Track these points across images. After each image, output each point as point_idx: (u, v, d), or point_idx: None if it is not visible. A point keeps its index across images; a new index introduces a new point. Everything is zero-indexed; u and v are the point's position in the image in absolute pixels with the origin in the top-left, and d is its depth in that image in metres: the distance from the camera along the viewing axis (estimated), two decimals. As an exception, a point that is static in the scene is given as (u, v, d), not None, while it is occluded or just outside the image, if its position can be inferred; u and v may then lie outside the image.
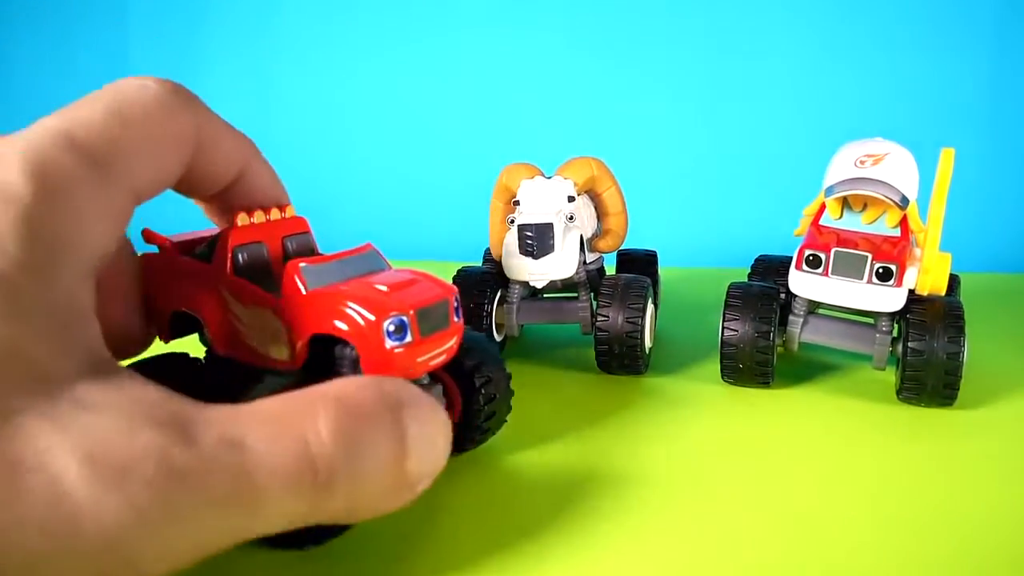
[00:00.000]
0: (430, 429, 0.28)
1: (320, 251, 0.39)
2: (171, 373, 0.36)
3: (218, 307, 0.36)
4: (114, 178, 0.28)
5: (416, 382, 0.36)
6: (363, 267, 0.36)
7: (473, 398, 0.39)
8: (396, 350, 0.32)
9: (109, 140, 0.29)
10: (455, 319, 0.35)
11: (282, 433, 0.25)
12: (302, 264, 0.34)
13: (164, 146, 0.31)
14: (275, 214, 0.38)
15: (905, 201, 0.51)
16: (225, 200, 0.37)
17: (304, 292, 0.33)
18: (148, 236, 0.38)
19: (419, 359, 0.33)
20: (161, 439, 0.23)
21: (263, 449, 0.24)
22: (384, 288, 0.34)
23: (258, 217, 0.37)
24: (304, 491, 0.25)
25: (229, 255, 0.36)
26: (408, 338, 0.32)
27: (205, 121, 0.33)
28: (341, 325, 0.32)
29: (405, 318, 0.32)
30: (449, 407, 0.40)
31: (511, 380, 0.42)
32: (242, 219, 0.37)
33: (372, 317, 0.32)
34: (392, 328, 0.32)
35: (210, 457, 0.23)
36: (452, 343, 0.35)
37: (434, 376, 0.39)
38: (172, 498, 0.22)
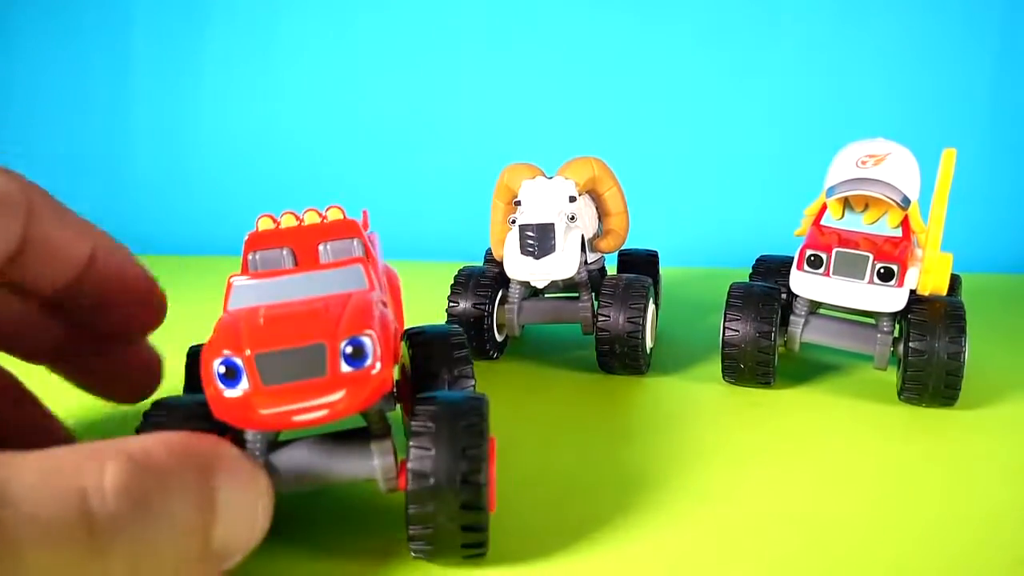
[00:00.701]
0: (245, 497, 0.25)
1: (366, 254, 0.35)
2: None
3: None
4: None
5: (376, 432, 0.31)
6: (313, 287, 0.32)
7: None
8: (229, 396, 0.28)
9: None
10: (343, 368, 0.28)
11: (56, 484, 0.21)
12: (231, 279, 0.32)
13: None
14: (311, 217, 0.35)
15: (906, 201, 0.51)
16: (80, 293, 0.33)
17: (222, 312, 0.31)
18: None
19: (264, 410, 0.27)
20: None
21: (29, 499, 0.21)
22: (261, 321, 0.29)
23: (286, 220, 0.35)
24: (75, 551, 0.21)
25: (244, 260, 0.34)
26: (243, 383, 0.28)
27: (38, 193, 0.30)
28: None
29: (237, 361, 0.28)
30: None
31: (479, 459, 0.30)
32: (263, 223, 0.35)
33: (208, 355, 0.28)
34: (222, 370, 0.28)
35: None
36: (334, 397, 0.28)
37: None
38: None
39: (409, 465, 0.29)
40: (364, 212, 0.41)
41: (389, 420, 0.31)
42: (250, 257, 0.35)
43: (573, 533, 0.35)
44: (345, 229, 0.35)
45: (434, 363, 0.35)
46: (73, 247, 0.32)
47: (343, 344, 0.28)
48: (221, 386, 0.28)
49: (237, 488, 0.25)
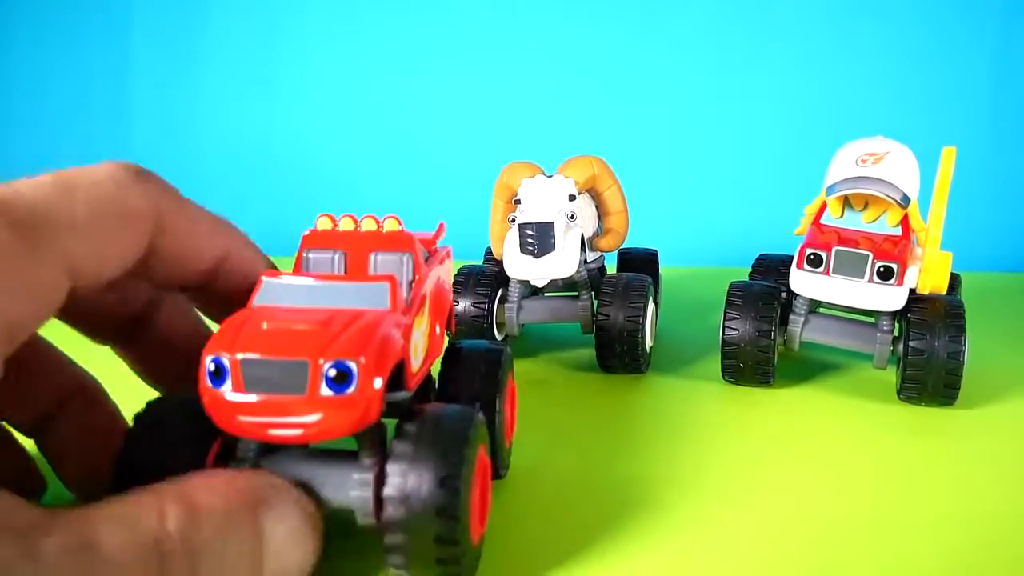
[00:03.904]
0: (291, 525, 0.27)
1: (415, 271, 0.35)
2: None
3: None
4: (44, 250, 0.26)
5: (365, 460, 0.29)
6: (335, 298, 0.31)
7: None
8: (215, 395, 0.27)
9: (46, 210, 0.26)
10: (323, 392, 0.27)
11: (134, 531, 0.23)
12: (264, 277, 0.32)
13: (113, 220, 0.28)
14: (368, 224, 0.35)
15: (906, 200, 0.51)
16: (210, 291, 0.34)
17: (247, 306, 0.31)
18: None
19: (242, 417, 0.27)
20: (4, 552, 0.21)
21: (116, 548, 0.22)
22: (264, 325, 0.29)
23: (345, 224, 0.35)
24: None
25: (298, 257, 0.34)
26: (227, 385, 0.27)
27: (170, 201, 0.31)
28: None
29: (225, 361, 0.27)
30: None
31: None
32: (322, 222, 0.35)
33: (206, 349, 0.28)
34: (212, 368, 0.27)
35: (55, 568, 0.21)
36: (310, 419, 0.27)
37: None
38: None
39: (384, 491, 0.28)
40: (441, 225, 0.41)
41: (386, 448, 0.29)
42: (303, 255, 0.35)
43: (572, 532, 0.35)
44: (397, 242, 0.35)
45: (463, 383, 0.37)
46: (204, 250, 0.33)
47: (327, 366, 0.27)
48: (209, 384, 0.28)
49: (283, 520, 0.26)
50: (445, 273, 0.39)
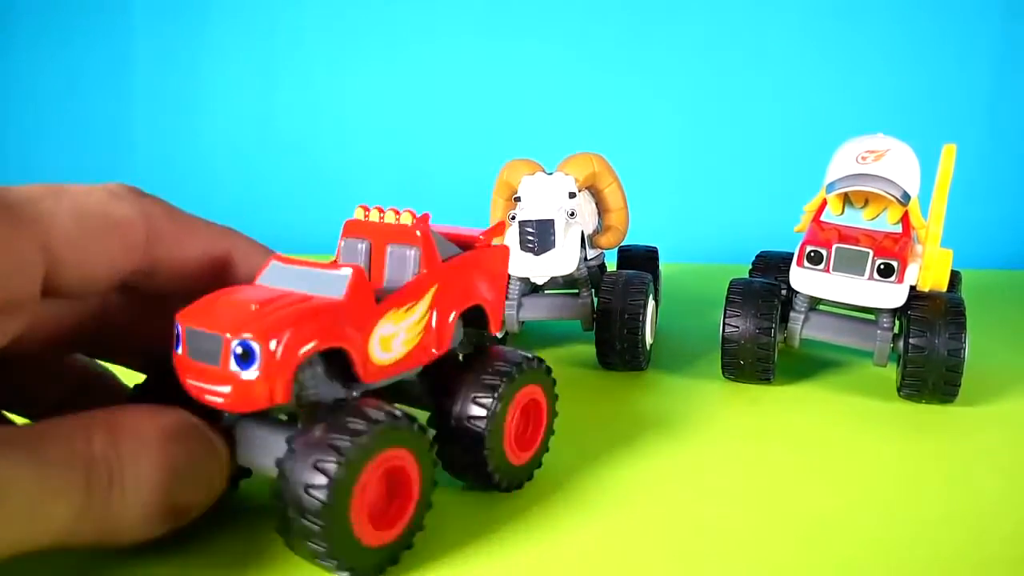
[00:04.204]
0: (197, 462, 0.30)
1: (420, 265, 0.36)
2: None
3: None
4: (24, 228, 0.27)
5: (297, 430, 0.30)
6: (308, 284, 0.32)
7: None
8: (175, 356, 0.30)
9: (31, 198, 0.28)
10: (232, 368, 0.28)
11: (69, 447, 0.27)
12: (272, 259, 0.34)
13: (97, 223, 0.30)
14: (389, 217, 0.36)
15: (906, 197, 0.51)
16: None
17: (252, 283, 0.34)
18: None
19: (188, 380, 0.30)
20: None
21: (57, 458, 0.27)
22: (224, 300, 0.31)
23: (373, 215, 0.36)
24: (76, 502, 0.27)
25: (340, 244, 0.37)
26: (179, 348, 0.30)
27: (162, 213, 0.32)
28: None
29: (178, 326, 0.30)
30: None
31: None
32: (357, 212, 0.37)
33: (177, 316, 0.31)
34: (176, 332, 0.30)
35: (14, 464, 0.25)
36: (222, 389, 0.29)
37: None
38: None
39: (283, 462, 0.29)
40: (500, 223, 0.42)
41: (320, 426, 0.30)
42: (340, 243, 0.37)
43: (572, 528, 0.35)
44: (408, 236, 0.36)
45: (455, 381, 0.37)
46: (204, 257, 0.34)
47: (234, 343, 0.28)
48: (174, 346, 0.30)
49: (192, 455, 0.30)
50: (485, 271, 0.39)
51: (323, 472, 0.28)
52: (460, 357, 0.39)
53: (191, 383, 0.30)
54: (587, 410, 0.49)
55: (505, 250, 0.40)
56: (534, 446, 0.39)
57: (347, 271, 0.32)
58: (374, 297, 0.33)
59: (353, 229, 0.37)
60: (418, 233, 0.35)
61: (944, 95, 1.07)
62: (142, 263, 0.32)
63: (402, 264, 0.36)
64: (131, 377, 0.37)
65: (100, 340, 0.36)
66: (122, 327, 0.36)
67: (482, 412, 0.35)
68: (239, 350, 0.28)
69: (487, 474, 0.36)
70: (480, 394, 0.36)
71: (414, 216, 0.36)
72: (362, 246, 0.36)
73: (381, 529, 0.30)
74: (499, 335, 0.60)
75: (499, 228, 0.41)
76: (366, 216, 0.37)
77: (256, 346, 0.28)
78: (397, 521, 0.31)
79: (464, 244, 0.39)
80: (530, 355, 0.38)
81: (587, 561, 0.32)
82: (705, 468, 0.41)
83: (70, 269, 0.29)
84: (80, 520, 0.27)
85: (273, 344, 0.28)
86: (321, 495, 0.27)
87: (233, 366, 0.29)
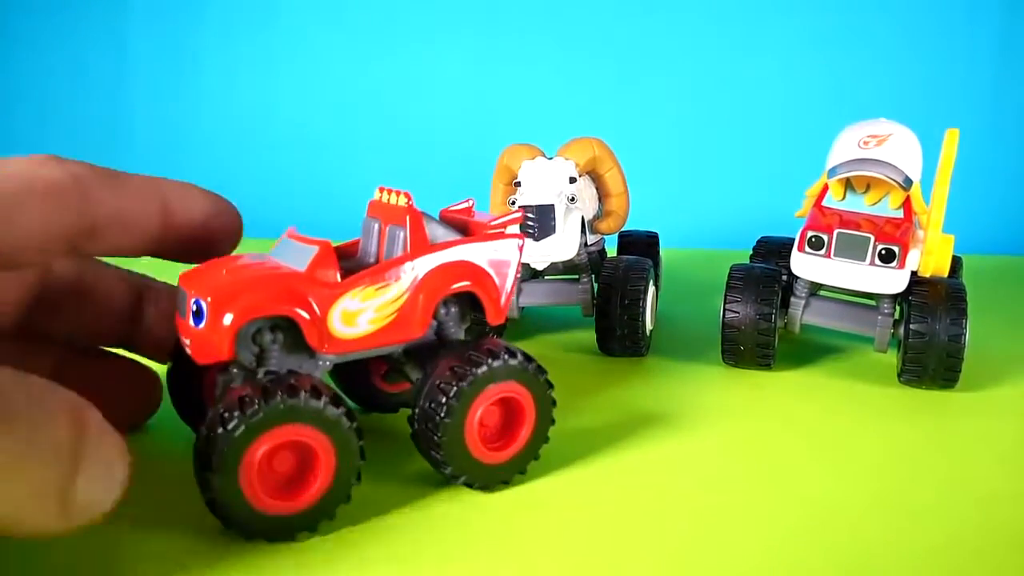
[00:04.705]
0: (108, 460, 0.27)
1: (407, 247, 0.37)
2: None
3: None
4: None
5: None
6: (288, 256, 0.35)
7: None
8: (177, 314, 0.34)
9: None
10: (190, 322, 0.32)
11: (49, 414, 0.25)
12: (284, 235, 0.36)
13: (23, 189, 0.30)
14: (394, 199, 0.37)
15: (908, 182, 0.51)
16: (170, 244, 0.36)
17: None
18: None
19: (181, 335, 0.34)
20: None
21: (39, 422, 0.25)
22: (213, 266, 0.35)
23: (384, 196, 0.38)
24: (62, 470, 0.25)
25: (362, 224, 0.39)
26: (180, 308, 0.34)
27: (92, 174, 0.32)
28: None
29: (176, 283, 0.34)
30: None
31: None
32: (376, 193, 0.38)
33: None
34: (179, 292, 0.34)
35: None
36: (187, 341, 0.33)
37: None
38: None
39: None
40: (521, 211, 0.43)
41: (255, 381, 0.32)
42: (365, 222, 0.39)
43: (571, 516, 0.35)
44: (400, 216, 0.37)
45: (433, 365, 0.36)
46: (141, 210, 0.34)
47: (192, 300, 0.33)
48: (177, 307, 0.34)
49: (102, 450, 0.27)
50: (487, 259, 0.39)
51: (210, 439, 0.30)
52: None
53: (183, 338, 0.34)
54: (587, 396, 0.49)
55: (517, 239, 0.40)
56: (511, 447, 0.37)
57: (315, 247, 0.34)
58: (338, 273, 0.34)
59: (372, 209, 0.39)
60: (407, 216, 0.36)
61: (947, 80, 1.07)
62: (79, 224, 0.32)
63: (394, 244, 0.37)
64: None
65: (33, 310, 0.36)
66: (58, 295, 0.37)
67: (441, 399, 0.34)
68: (194, 307, 0.32)
69: (441, 463, 0.35)
70: (443, 381, 0.35)
71: (408, 198, 0.37)
72: (375, 226, 0.38)
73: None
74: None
75: (517, 218, 0.40)
76: (381, 197, 0.38)
77: (203, 304, 0.32)
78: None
79: (470, 230, 0.39)
80: (516, 351, 0.36)
81: (585, 546, 0.32)
82: (705, 453, 0.41)
83: (3, 238, 0.29)
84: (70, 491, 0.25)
85: (217, 304, 0.32)
86: (207, 458, 0.30)
87: (191, 321, 0.33)
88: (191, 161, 1.19)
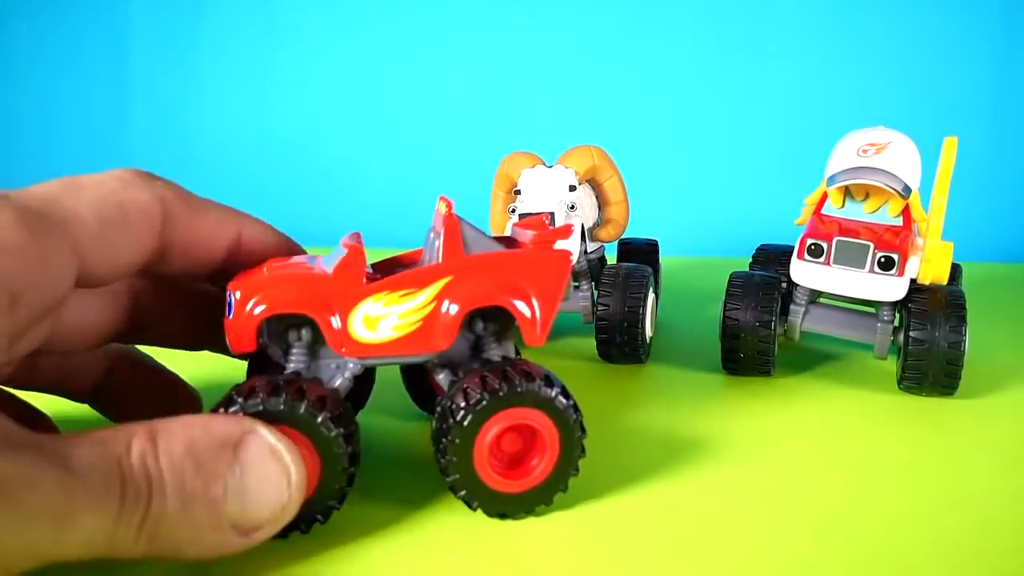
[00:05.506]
0: (262, 474, 0.28)
1: (438, 252, 0.36)
2: None
3: None
4: (54, 234, 0.28)
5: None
6: (325, 263, 0.36)
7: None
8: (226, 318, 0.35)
9: (53, 202, 0.29)
10: (228, 316, 0.34)
11: (102, 452, 0.26)
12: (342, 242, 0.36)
13: (117, 213, 0.31)
14: (441, 207, 0.37)
15: (907, 190, 0.51)
16: (232, 272, 0.37)
17: None
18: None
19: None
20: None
21: (84, 464, 0.25)
22: (268, 265, 0.36)
23: (441, 206, 0.37)
24: (109, 511, 0.25)
25: None
26: (229, 313, 0.35)
27: (175, 197, 0.34)
28: None
29: (228, 291, 0.35)
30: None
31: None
32: (437, 204, 0.38)
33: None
34: (228, 298, 0.35)
35: (32, 467, 0.24)
36: (227, 334, 0.34)
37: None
38: None
39: None
40: (566, 227, 0.41)
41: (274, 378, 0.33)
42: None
43: (571, 521, 0.35)
44: (439, 222, 0.37)
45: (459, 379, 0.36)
46: (214, 238, 0.36)
47: (228, 294, 0.34)
48: (226, 312, 0.35)
49: (253, 467, 0.28)
50: (526, 274, 0.36)
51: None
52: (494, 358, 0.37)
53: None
54: (586, 403, 0.49)
55: (561, 256, 0.37)
56: (528, 477, 0.34)
57: (342, 251, 0.35)
58: (364, 277, 0.35)
59: (435, 219, 0.38)
60: (444, 224, 0.36)
61: (946, 88, 1.07)
62: (159, 248, 0.33)
63: (433, 252, 0.37)
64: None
65: (131, 324, 0.38)
66: (147, 308, 0.38)
67: (461, 403, 0.33)
68: (229, 300, 0.34)
69: (445, 469, 0.34)
70: (471, 386, 0.34)
71: (448, 206, 0.36)
72: (432, 234, 0.38)
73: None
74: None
75: (564, 231, 0.39)
76: (439, 207, 0.38)
77: (232, 297, 0.34)
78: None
79: (514, 243, 0.39)
80: (556, 382, 0.34)
81: (585, 553, 0.32)
82: (705, 461, 0.41)
83: (97, 262, 0.30)
84: (118, 531, 0.25)
85: (243, 299, 0.34)
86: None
87: (228, 314, 0.34)
88: (189, 167, 1.19)
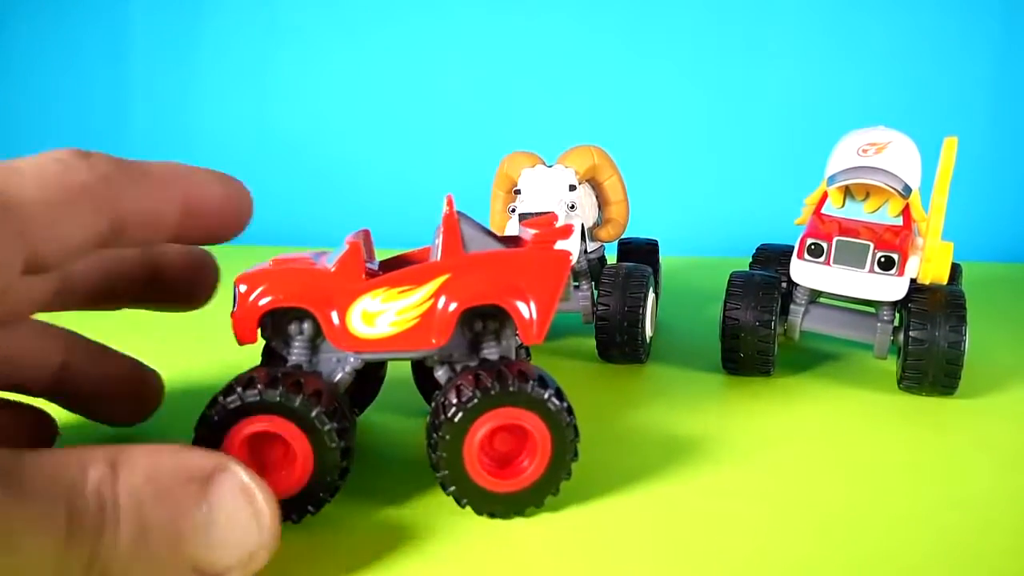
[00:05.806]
0: (232, 514, 0.26)
1: (440, 250, 0.37)
2: None
3: None
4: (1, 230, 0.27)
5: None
6: (330, 258, 0.37)
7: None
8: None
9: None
10: (233, 308, 0.35)
11: (55, 479, 0.24)
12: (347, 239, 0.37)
13: (63, 195, 0.29)
14: (445, 208, 0.37)
15: (907, 190, 0.51)
16: (189, 231, 0.36)
17: None
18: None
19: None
20: None
21: (37, 489, 0.23)
22: (276, 260, 0.37)
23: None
24: (55, 537, 0.23)
25: None
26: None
27: (117, 170, 0.32)
28: None
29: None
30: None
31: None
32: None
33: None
34: (234, 291, 0.36)
35: None
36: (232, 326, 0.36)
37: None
38: None
39: None
40: (570, 226, 0.41)
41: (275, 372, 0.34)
42: None
43: (571, 521, 0.35)
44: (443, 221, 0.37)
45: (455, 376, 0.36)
46: (165, 204, 0.34)
47: (234, 287, 0.36)
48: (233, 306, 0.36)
49: (226, 503, 0.26)
50: (524, 273, 0.36)
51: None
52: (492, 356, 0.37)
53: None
54: (587, 403, 0.49)
55: (560, 256, 0.37)
56: (518, 478, 0.34)
57: (345, 248, 0.35)
58: (363, 273, 0.35)
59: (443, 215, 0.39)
60: (443, 221, 0.37)
61: (946, 87, 1.07)
62: (110, 225, 0.31)
63: (436, 249, 0.38)
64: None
65: (90, 298, 0.38)
66: (112, 279, 0.38)
67: (453, 399, 0.33)
68: (235, 293, 0.35)
69: (435, 464, 0.34)
70: (449, 397, 0.34)
71: (449, 204, 0.37)
72: (439, 232, 0.38)
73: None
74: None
75: (564, 231, 0.39)
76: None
77: (235, 290, 0.35)
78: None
79: (515, 241, 0.39)
80: (551, 383, 0.34)
81: (585, 553, 0.32)
82: (704, 461, 0.41)
83: (47, 247, 0.29)
84: (68, 562, 0.23)
85: (245, 291, 0.35)
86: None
87: (233, 307, 0.35)
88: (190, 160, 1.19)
